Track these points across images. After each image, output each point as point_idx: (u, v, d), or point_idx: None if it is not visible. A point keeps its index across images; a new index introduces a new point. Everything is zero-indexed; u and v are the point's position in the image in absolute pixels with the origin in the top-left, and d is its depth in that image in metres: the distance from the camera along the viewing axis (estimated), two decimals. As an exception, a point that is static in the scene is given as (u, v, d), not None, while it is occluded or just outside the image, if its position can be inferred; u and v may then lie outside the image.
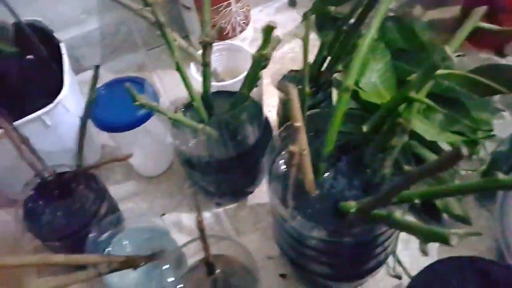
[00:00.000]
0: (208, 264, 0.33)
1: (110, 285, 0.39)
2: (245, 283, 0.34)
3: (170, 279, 0.35)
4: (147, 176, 0.54)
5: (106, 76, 0.49)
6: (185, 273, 0.35)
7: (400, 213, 0.26)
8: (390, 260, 0.42)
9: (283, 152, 0.38)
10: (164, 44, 0.36)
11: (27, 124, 0.43)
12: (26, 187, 0.44)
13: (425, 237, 0.24)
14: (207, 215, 0.49)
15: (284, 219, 0.34)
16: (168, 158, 0.54)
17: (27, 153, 0.41)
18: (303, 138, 0.29)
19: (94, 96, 0.37)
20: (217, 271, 0.34)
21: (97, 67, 0.36)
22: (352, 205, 0.32)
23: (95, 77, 0.36)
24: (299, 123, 0.27)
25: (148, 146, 0.50)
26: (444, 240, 0.22)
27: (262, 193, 0.50)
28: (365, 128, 0.34)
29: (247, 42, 0.63)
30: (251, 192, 0.50)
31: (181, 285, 0.35)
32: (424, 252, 0.33)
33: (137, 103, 0.36)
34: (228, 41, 0.54)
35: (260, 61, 0.34)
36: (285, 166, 0.36)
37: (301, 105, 0.28)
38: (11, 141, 0.40)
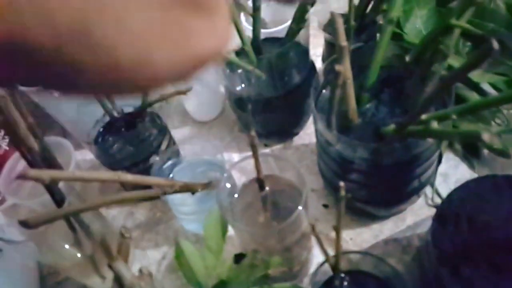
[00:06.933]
0: (259, 181, 0.37)
1: (173, 206, 0.45)
2: (292, 199, 0.38)
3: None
4: (200, 121, 0.59)
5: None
6: (238, 190, 0.39)
7: (435, 124, 0.29)
8: (429, 191, 0.44)
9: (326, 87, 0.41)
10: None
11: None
12: (96, 124, 0.50)
13: (461, 138, 0.26)
14: (255, 154, 0.53)
15: (329, 144, 0.38)
16: (220, 105, 0.59)
17: (99, 93, 0.47)
18: (347, 61, 0.32)
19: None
20: (267, 188, 0.38)
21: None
22: (391, 127, 0.34)
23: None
24: (344, 42, 0.30)
25: (202, 93, 0.54)
26: (477, 137, 0.25)
27: (306, 135, 0.53)
28: (407, 58, 0.36)
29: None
30: (296, 134, 0.53)
31: (236, 196, 0.39)
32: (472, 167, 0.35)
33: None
34: (275, -8, 0.56)
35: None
36: (330, 92, 0.39)
37: (347, 39, 0.31)
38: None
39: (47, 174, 0.32)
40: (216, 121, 0.59)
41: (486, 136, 0.24)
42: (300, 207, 0.32)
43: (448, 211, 0.34)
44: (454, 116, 0.30)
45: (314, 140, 0.52)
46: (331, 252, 0.31)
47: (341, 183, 0.26)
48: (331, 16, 0.32)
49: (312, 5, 0.38)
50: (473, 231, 0.33)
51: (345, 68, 0.31)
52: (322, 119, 0.37)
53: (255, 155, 0.35)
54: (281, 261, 0.34)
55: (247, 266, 0.33)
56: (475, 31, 0.33)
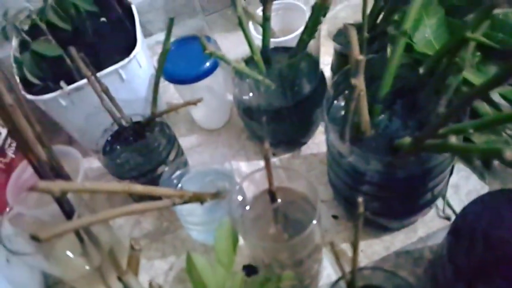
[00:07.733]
0: (271, 193, 0.37)
1: (182, 216, 0.44)
2: (304, 212, 0.38)
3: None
4: (208, 129, 0.59)
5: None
6: (249, 202, 0.39)
7: (454, 139, 0.28)
8: (440, 203, 0.44)
9: (339, 97, 0.40)
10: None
11: (105, 77, 0.48)
12: (104, 133, 0.49)
13: (481, 154, 0.26)
14: (262, 163, 0.52)
15: (342, 155, 0.37)
16: (227, 112, 0.59)
17: (107, 102, 0.47)
18: (362, 74, 0.32)
19: (168, 46, 0.41)
20: (278, 200, 0.37)
21: (171, 20, 0.40)
22: (407, 141, 0.34)
23: (170, 28, 0.40)
24: (359, 56, 0.29)
25: (210, 102, 0.54)
26: (498, 154, 0.24)
27: (315, 144, 0.53)
28: (421, 70, 0.36)
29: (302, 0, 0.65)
30: (305, 143, 0.53)
31: (247, 208, 0.39)
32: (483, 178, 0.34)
33: (206, 51, 0.40)
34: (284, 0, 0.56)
35: (320, 9, 0.37)
36: (344, 103, 0.39)
37: (359, 50, 0.31)
38: (93, 90, 0.45)
39: (57, 186, 0.31)
40: (224, 128, 0.58)
41: (508, 154, 0.24)
42: (314, 222, 0.31)
43: (463, 226, 0.34)
44: (471, 130, 0.29)
45: (322, 149, 0.52)
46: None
47: (360, 199, 0.26)
48: (344, 28, 0.32)
49: (324, 15, 0.38)
50: (489, 246, 0.33)
51: (360, 81, 0.31)
52: (334, 130, 0.36)
53: (268, 168, 0.35)
54: (293, 275, 0.34)
55: (259, 280, 0.33)
56: (491, 44, 0.33)
